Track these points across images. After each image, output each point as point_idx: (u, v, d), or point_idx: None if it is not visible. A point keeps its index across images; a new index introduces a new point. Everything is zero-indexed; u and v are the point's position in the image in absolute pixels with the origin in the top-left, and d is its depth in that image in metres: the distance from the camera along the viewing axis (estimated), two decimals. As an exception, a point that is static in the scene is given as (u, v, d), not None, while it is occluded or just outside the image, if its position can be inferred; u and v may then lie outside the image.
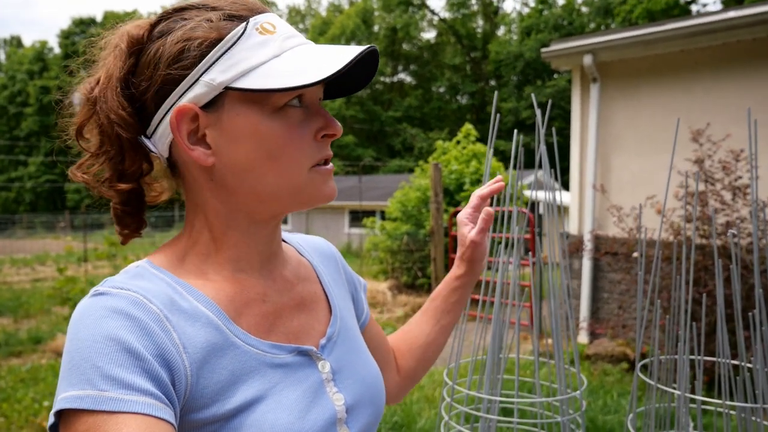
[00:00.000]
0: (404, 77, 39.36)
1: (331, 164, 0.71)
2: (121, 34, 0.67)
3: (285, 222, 21.72)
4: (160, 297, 0.61)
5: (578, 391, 1.28)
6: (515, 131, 1.32)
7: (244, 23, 0.64)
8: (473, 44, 36.33)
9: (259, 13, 0.66)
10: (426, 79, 37.22)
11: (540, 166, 1.33)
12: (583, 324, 5.78)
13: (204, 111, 0.64)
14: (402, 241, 9.04)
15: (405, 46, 37.64)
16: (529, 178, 17.84)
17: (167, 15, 0.67)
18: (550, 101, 1.24)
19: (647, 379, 1.15)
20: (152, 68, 0.64)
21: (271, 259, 0.73)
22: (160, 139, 0.66)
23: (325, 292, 0.81)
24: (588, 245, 5.61)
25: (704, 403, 1.32)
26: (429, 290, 8.48)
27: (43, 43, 41.07)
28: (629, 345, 5.28)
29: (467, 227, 0.98)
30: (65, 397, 0.52)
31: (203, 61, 0.63)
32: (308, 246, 0.87)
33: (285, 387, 0.65)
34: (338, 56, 0.63)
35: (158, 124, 0.66)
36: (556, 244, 1.29)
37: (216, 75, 0.63)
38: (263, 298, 0.70)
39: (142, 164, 0.69)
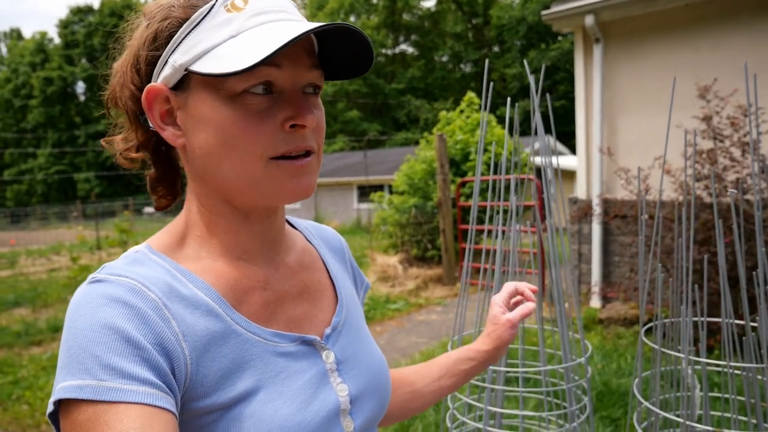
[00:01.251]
0: (406, 48, 38.85)
1: (305, 159, 0.64)
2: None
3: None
4: (159, 284, 0.60)
5: (583, 358, 1.28)
6: (508, 99, 1.29)
7: (214, 2, 0.62)
8: (474, 10, 35.65)
9: None
10: (428, 49, 36.71)
11: (536, 133, 1.30)
12: (595, 288, 5.77)
13: (173, 92, 0.64)
14: (410, 214, 9.03)
15: (405, 17, 37.05)
16: (536, 144, 17.69)
17: None
18: (544, 66, 1.20)
19: (651, 343, 1.14)
20: (141, 48, 0.65)
21: (272, 246, 0.72)
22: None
23: (332, 281, 0.79)
24: (597, 209, 5.56)
25: (711, 364, 1.31)
26: (439, 262, 8.50)
27: (43, 34, 40.87)
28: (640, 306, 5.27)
29: (500, 309, 0.96)
30: (64, 386, 0.52)
31: (171, 41, 0.63)
32: (317, 234, 0.85)
33: (287, 377, 0.64)
34: (283, 36, 0.57)
35: None
36: (561, 210, 1.27)
37: (179, 56, 0.62)
38: (264, 285, 0.69)
39: (152, 137, 0.70)
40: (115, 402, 0.51)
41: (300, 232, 0.82)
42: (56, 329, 6.41)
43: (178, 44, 0.62)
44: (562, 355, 1.25)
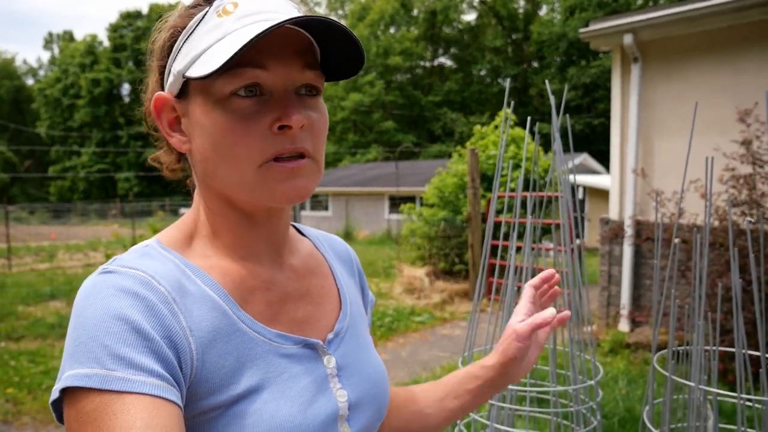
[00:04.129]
0: (444, 61, 38.92)
1: (298, 161, 0.63)
2: None
3: (326, 209, 21.95)
4: (168, 278, 0.60)
5: (593, 380, 1.26)
6: (528, 119, 1.29)
7: (208, 6, 0.64)
8: (515, 25, 35.53)
9: None
10: (466, 62, 36.69)
11: (570, 151, 1.30)
12: (624, 311, 5.65)
13: (177, 100, 0.66)
14: (439, 227, 9.01)
15: (445, 30, 37.15)
16: (571, 162, 17.40)
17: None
18: (566, 86, 1.20)
19: (662, 370, 1.12)
20: (159, 60, 0.68)
21: (276, 248, 0.72)
22: None
23: (337, 288, 0.79)
24: (628, 231, 5.46)
25: (723, 396, 1.28)
26: (467, 276, 8.43)
27: (93, 37, 42.38)
28: (668, 332, 5.13)
29: (516, 317, 0.84)
30: (72, 374, 0.52)
31: (173, 50, 0.65)
32: (326, 242, 0.86)
33: (289, 378, 0.64)
34: (261, 28, 0.57)
35: None
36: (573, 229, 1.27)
37: (177, 64, 0.64)
38: (268, 285, 0.69)
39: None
40: (123, 392, 0.51)
41: (308, 239, 0.83)
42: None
43: (178, 52, 0.64)
44: (572, 376, 1.24)
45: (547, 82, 1.23)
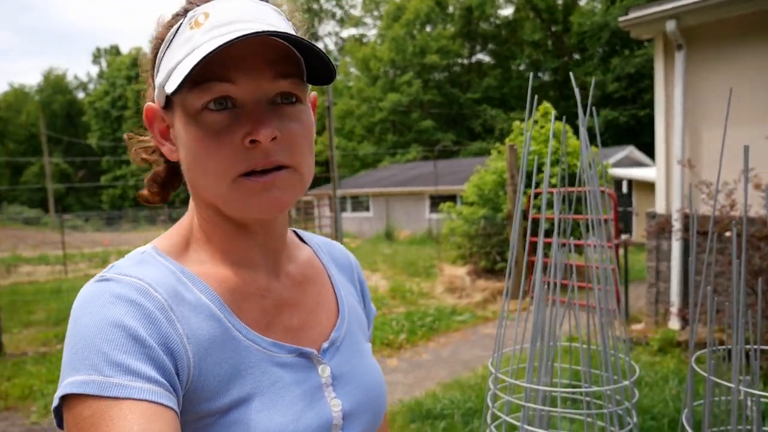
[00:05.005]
0: (482, 57, 38.48)
1: (274, 173, 0.62)
2: None
3: (367, 209, 22.01)
4: (165, 286, 0.61)
5: (629, 381, 1.22)
6: (553, 115, 1.25)
7: (183, 18, 0.64)
8: (554, 17, 34.80)
9: (203, 3, 0.63)
10: (505, 57, 36.19)
11: (601, 145, 1.26)
12: (673, 309, 5.45)
13: (164, 111, 0.67)
14: (479, 225, 8.91)
15: (482, 25, 36.74)
16: (616, 155, 16.94)
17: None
18: (594, 80, 1.17)
19: (701, 371, 1.07)
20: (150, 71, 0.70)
21: (272, 255, 0.72)
22: None
23: (336, 296, 0.79)
24: (676, 224, 5.26)
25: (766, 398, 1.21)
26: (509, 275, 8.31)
27: (138, 50, 43.88)
28: (724, 331, 4.92)
29: None
30: (71, 382, 0.53)
31: (156, 62, 0.66)
32: (326, 250, 0.85)
33: (282, 387, 0.65)
34: (227, 36, 0.58)
35: None
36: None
37: (159, 77, 0.65)
38: (263, 293, 0.69)
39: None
40: (120, 398, 0.52)
41: (308, 246, 0.83)
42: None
43: (159, 65, 0.65)
44: (603, 375, 1.20)
45: (572, 75, 1.19)
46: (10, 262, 14.02)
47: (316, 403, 0.67)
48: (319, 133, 32.97)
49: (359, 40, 43.34)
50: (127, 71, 42.12)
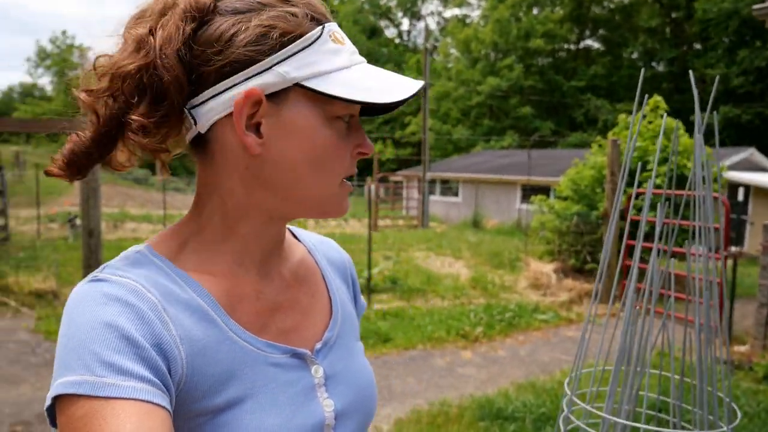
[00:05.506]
0: (591, 43, 36.59)
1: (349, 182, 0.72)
2: None
3: (456, 195, 21.75)
4: (158, 287, 0.61)
5: (727, 427, 1.07)
6: (664, 115, 1.11)
7: (321, 27, 0.66)
8: (675, 2, 32.24)
9: (329, 21, 0.68)
10: (616, 44, 34.17)
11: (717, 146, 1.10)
12: (785, 332, 4.92)
13: (267, 100, 0.63)
14: (571, 221, 8.51)
15: (594, 9, 34.82)
16: (733, 158, 15.47)
17: None
18: (718, 77, 1.01)
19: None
20: (224, 43, 0.62)
21: (270, 257, 0.73)
22: (206, 114, 0.63)
23: (329, 295, 0.80)
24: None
25: None
26: (600, 277, 7.90)
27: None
28: None
29: None
30: (63, 382, 0.53)
31: (281, 51, 0.63)
32: (320, 248, 0.86)
33: (276, 387, 0.66)
34: (398, 83, 0.67)
35: (209, 99, 0.63)
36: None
37: (290, 69, 0.63)
38: (257, 294, 0.70)
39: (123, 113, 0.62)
40: (112, 398, 0.52)
41: (303, 244, 0.83)
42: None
43: (289, 56, 0.63)
44: (696, 415, 1.06)
45: (691, 73, 1.04)
46: (118, 218, 15.16)
47: (308, 404, 0.68)
48: (414, 114, 32.89)
49: (462, 20, 42.53)
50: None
